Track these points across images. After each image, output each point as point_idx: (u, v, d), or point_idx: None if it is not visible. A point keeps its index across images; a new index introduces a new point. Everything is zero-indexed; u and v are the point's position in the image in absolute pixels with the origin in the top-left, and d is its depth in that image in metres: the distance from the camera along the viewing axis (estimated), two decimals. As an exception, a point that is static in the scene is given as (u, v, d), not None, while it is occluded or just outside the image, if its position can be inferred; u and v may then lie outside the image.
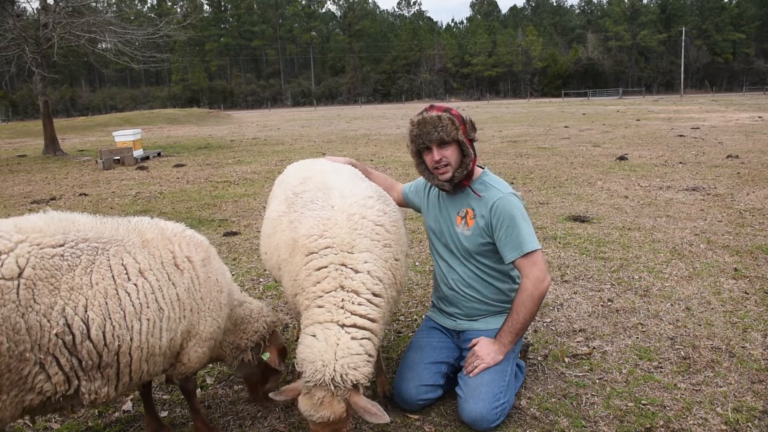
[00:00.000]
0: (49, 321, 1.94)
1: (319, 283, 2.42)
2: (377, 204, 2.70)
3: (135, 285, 2.16)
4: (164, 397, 3.19)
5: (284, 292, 2.79)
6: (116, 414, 3.04)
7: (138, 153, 16.04)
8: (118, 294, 2.10)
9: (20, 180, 12.84)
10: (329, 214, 2.57)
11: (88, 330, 2.01)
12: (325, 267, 2.43)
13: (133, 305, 2.13)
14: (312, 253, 2.48)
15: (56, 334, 1.95)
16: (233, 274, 5.22)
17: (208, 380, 3.38)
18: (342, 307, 2.35)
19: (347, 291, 2.39)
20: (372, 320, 2.38)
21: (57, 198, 10.11)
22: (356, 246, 2.47)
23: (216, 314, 2.47)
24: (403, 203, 3.38)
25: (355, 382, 2.24)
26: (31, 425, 2.91)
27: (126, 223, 2.38)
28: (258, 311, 2.86)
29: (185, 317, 2.32)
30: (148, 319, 2.17)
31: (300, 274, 2.49)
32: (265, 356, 2.79)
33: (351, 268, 2.43)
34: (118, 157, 15.00)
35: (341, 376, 2.21)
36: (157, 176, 12.68)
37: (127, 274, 2.16)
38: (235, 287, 2.84)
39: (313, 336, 2.31)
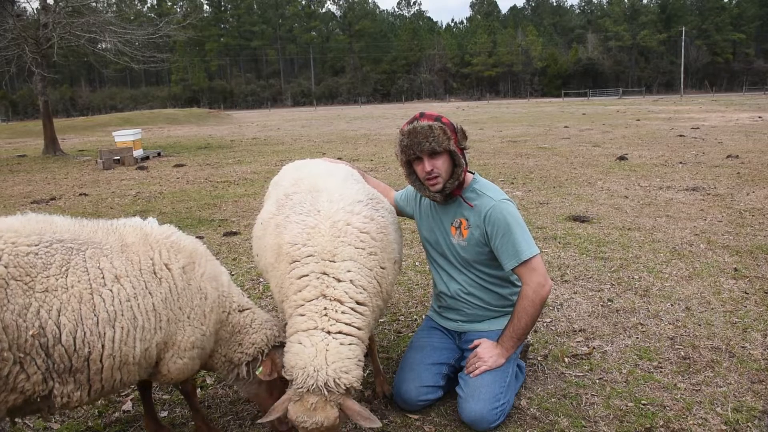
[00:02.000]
0: (24, 321, 1.93)
1: (300, 291, 2.38)
2: (365, 210, 2.62)
3: (110, 291, 2.11)
4: (164, 397, 3.19)
5: (273, 298, 2.76)
6: (116, 414, 3.04)
7: (138, 153, 16.04)
8: (93, 299, 2.06)
9: (20, 180, 12.84)
10: (314, 221, 2.52)
11: (60, 334, 1.98)
12: (306, 276, 2.39)
13: (107, 312, 2.08)
14: (295, 261, 2.44)
15: (32, 335, 1.93)
16: (233, 274, 5.22)
17: (208, 380, 3.38)
18: (325, 315, 2.31)
19: (330, 300, 2.35)
20: (357, 328, 2.35)
21: (57, 198, 10.11)
22: (338, 254, 2.43)
23: (198, 322, 2.38)
24: (398, 211, 3.31)
25: (348, 386, 2.21)
26: (30, 425, 2.91)
27: (107, 226, 2.33)
28: (260, 322, 2.66)
29: (161, 328, 2.25)
30: (122, 328, 2.11)
31: (285, 282, 2.46)
32: (259, 371, 2.55)
33: (333, 277, 2.38)
34: (118, 157, 15.00)
35: (334, 381, 2.17)
36: (157, 176, 12.68)
37: (103, 278, 2.12)
38: (236, 292, 2.69)
39: (300, 344, 2.28)
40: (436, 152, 2.71)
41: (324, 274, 2.39)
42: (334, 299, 2.35)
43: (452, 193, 2.86)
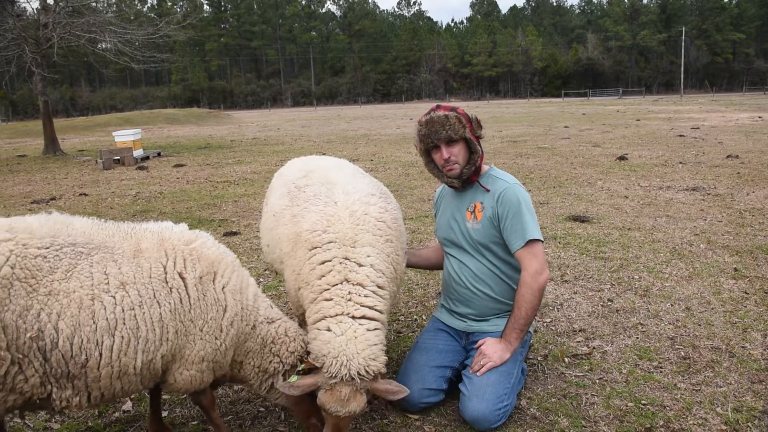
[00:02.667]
0: (24, 323, 1.92)
1: (324, 276, 2.47)
2: (379, 201, 2.77)
3: (113, 298, 2.05)
4: (164, 397, 3.18)
5: (286, 286, 2.82)
6: (116, 414, 3.03)
7: (138, 153, 16.03)
8: (93, 305, 2.02)
9: (20, 180, 12.84)
10: (333, 210, 2.62)
11: (57, 339, 1.97)
12: (329, 261, 2.48)
13: (107, 320, 2.03)
14: (316, 247, 2.52)
15: (30, 338, 1.93)
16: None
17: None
18: (350, 300, 2.40)
19: (353, 284, 2.44)
20: (379, 311, 2.44)
21: (57, 198, 10.10)
22: (359, 241, 2.54)
23: (212, 336, 2.28)
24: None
25: (376, 373, 2.30)
26: (30, 425, 2.91)
27: (126, 229, 2.28)
28: (294, 329, 2.58)
29: (168, 340, 2.16)
30: (122, 337, 2.05)
31: (303, 268, 2.53)
32: (293, 378, 2.41)
33: (355, 262, 2.48)
34: (118, 157, 15.00)
35: (365, 369, 2.27)
36: (157, 176, 12.67)
37: (107, 284, 2.06)
38: (264, 304, 2.57)
39: (329, 330, 2.34)
40: (453, 140, 2.87)
41: (346, 259, 2.48)
42: (357, 283, 2.44)
43: (469, 179, 2.98)
